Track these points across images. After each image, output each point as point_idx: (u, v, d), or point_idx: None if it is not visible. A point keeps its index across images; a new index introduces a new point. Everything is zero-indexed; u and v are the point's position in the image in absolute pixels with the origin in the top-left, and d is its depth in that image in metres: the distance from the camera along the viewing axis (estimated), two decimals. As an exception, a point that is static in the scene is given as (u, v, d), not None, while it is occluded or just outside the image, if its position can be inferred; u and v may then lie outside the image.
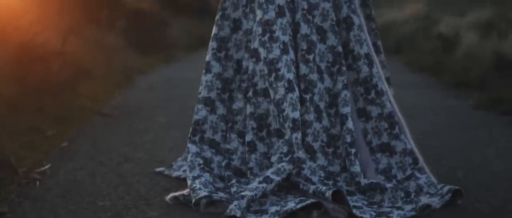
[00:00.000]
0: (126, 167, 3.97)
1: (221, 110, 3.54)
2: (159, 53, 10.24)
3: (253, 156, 3.40)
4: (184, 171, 3.67)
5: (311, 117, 3.38)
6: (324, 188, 3.17)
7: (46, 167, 3.87)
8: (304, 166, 3.32)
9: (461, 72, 7.73)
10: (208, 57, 3.55)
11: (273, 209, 3.09)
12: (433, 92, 7.37)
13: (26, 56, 5.35)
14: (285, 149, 3.33)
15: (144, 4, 13.73)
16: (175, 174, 3.73)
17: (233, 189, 3.27)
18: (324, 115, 3.43)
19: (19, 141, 4.21)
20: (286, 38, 3.38)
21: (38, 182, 3.59)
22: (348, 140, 3.38)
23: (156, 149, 4.42)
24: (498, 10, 11.94)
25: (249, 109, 3.43)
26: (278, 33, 3.38)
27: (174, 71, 9.09)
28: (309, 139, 3.37)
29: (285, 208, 3.07)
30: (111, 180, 3.68)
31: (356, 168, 3.33)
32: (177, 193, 3.30)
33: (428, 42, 10.24)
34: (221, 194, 3.22)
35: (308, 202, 3.08)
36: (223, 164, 3.47)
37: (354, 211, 3.09)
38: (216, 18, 3.58)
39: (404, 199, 3.23)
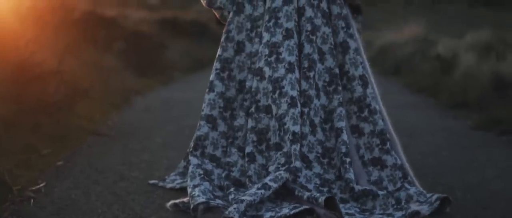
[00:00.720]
0: (121, 185, 3.93)
1: (222, 127, 3.72)
2: (157, 75, 10.23)
3: (252, 165, 3.57)
4: (178, 183, 3.81)
5: (306, 129, 3.58)
6: (317, 194, 3.30)
7: (41, 185, 3.84)
8: (300, 174, 3.49)
9: (460, 93, 7.72)
10: (211, 77, 3.74)
11: (268, 214, 3.21)
12: (431, 113, 7.36)
13: (22, 75, 5.33)
14: (282, 160, 3.51)
15: (142, 26, 13.76)
16: (169, 186, 3.84)
17: (231, 197, 3.40)
18: (319, 129, 3.63)
19: (14, 159, 4.17)
20: (292, 58, 3.62)
21: (32, 200, 3.55)
22: (343, 150, 3.55)
23: (152, 169, 4.38)
24: (496, 32, 11.96)
25: (250, 123, 3.63)
26: (284, 54, 3.61)
27: (171, 92, 9.07)
28: (304, 149, 3.57)
29: (279, 214, 3.18)
30: (106, 198, 3.65)
31: (350, 175, 3.49)
32: (177, 201, 3.44)
33: (427, 63, 10.24)
34: (218, 201, 3.32)
35: (301, 208, 3.18)
36: (223, 175, 3.61)
37: (345, 217, 3.24)
38: (221, 40, 3.76)
39: (395, 206, 3.40)
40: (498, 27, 13.53)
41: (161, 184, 3.89)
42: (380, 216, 3.31)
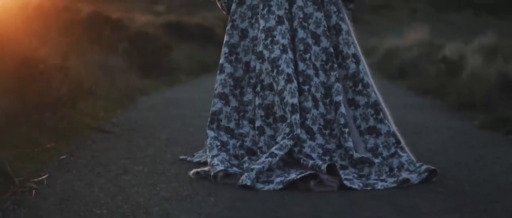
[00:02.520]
0: (125, 178, 3.89)
1: (233, 102, 4.18)
2: (162, 76, 10.19)
3: (262, 138, 4.04)
4: (204, 158, 4.25)
5: (309, 104, 4.03)
6: (320, 162, 3.79)
7: (43, 177, 3.80)
8: (305, 144, 3.96)
9: (466, 94, 7.68)
10: (221, 60, 4.21)
11: (278, 179, 3.73)
12: (438, 113, 7.31)
13: (26, 70, 5.29)
14: (287, 130, 3.95)
15: (148, 29, 13.74)
16: (196, 159, 4.36)
17: (245, 165, 3.90)
18: (320, 103, 4.06)
19: (17, 152, 4.13)
20: (285, 41, 4.06)
21: (34, 191, 3.51)
22: (342, 121, 4.00)
23: (156, 163, 4.34)
24: (501, 37, 11.92)
25: (257, 101, 4.09)
26: (278, 37, 4.07)
27: (176, 93, 9.03)
28: (308, 122, 4.02)
29: (288, 178, 3.70)
30: (109, 190, 3.61)
31: (349, 144, 3.96)
32: (199, 169, 3.94)
33: (432, 66, 10.19)
34: (235, 169, 3.86)
35: (306, 173, 3.69)
36: (238, 144, 4.11)
37: (344, 182, 3.70)
38: (227, 28, 4.24)
39: (388, 173, 3.88)
40: (503, 35, 13.48)
41: (189, 159, 4.39)
42: (375, 181, 3.79)
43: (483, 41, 11.49)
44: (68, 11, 10.84)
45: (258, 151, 4.03)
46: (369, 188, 3.71)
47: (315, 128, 4.02)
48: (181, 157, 4.48)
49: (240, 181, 3.68)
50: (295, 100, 3.96)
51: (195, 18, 26.06)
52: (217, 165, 3.85)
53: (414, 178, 3.81)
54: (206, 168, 3.92)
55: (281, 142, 3.90)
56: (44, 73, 5.41)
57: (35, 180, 3.72)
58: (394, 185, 3.75)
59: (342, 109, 4.01)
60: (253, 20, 4.21)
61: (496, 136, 5.74)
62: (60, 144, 4.72)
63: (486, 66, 8.33)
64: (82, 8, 13.03)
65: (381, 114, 4.09)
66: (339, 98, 4.03)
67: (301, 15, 4.13)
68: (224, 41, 4.23)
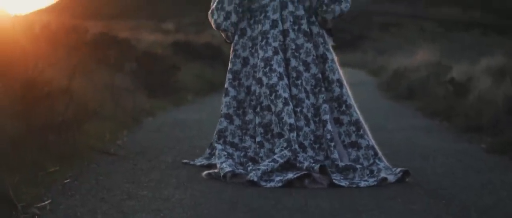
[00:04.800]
0: (129, 203, 3.87)
1: (237, 121, 4.90)
2: (169, 96, 10.17)
3: (262, 150, 4.76)
4: (204, 163, 4.97)
5: (302, 123, 4.76)
6: (313, 164, 4.52)
7: (47, 202, 3.77)
8: (299, 155, 4.64)
9: (474, 116, 7.62)
10: (226, 84, 4.93)
11: (277, 178, 4.44)
12: (445, 136, 7.26)
13: (31, 93, 5.28)
14: (285, 144, 4.67)
15: (156, 48, 13.75)
16: (198, 163, 5.03)
17: (250, 168, 4.61)
18: (311, 121, 4.78)
19: (20, 176, 4.10)
20: (281, 69, 4.78)
21: (36, 217, 3.48)
22: (328, 137, 4.73)
23: (161, 188, 4.32)
24: (509, 58, 11.88)
25: (257, 120, 4.80)
26: (275, 66, 4.78)
27: (183, 113, 9.00)
28: (301, 138, 4.73)
29: (286, 178, 4.41)
30: (113, 216, 3.58)
31: (335, 156, 4.70)
32: (210, 171, 4.65)
33: (440, 87, 10.15)
34: (241, 170, 4.55)
35: (301, 173, 4.42)
36: (241, 155, 4.80)
37: (334, 180, 4.42)
38: (230, 57, 4.95)
39: (369, 175, 4.59)
40: (511, 55, 13.43)
41: (191, 163, 5.07)
42: (358, 181, 4.50)
43: (491, 63, 11.46)
44: (76, 31, 10.85)
45: (259, 159, 4.74)
46: (354, 186, 4.43)
47: (306, 142, 4.74)
48: (184, 161, 5.16)
49: (249, 176, 4.41)
50: (292, 120, 4.67)
51: (203, 37, 26.10)
52: (226, 167, 4.53)
53: (391, 177, 4.53)
54: (216, 170, 4.63)
55: (282, 152, 4.62)
56: (49, 95, 5.39)
57: (38, 205, 3.69)
58: (375, 183, 4.46)
59: (329, 126, 4.74)
60: (253, 49, 4.90)
61: (504, 160, 5.69)
62: (64, 168, 4.69)
63: (494, 89, 8.28)
64: (89, 28, 13.06)
65: (362, 130, 4.81)
66: (326, 117, 4.76)
67: (294, 46, 4.84)
68: (228, 68, 4.92)
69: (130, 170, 4.90)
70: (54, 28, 11.59)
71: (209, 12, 5.00)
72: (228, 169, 4.51)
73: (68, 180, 4.41)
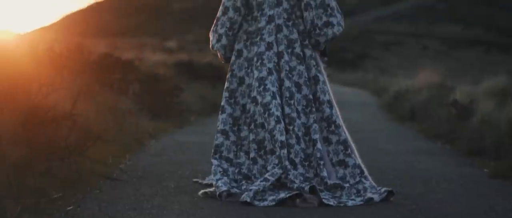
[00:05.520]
0: (131, 232, 3.87)
1: (232, 137, 5.11)
2: (172, 118, 10.19)
3: (255, 166, 5.02)
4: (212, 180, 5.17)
5: (293, 141, 4.98)
6: (303, 184, 4.80)
7: (49, 231, 3.78)
8: (290, 173, 4.89)
9: (476, 140, 7.63)
10: (222, 102, 5.18)
11: (270, 198, 4.72)
12: (447, 159, 7.27)
13: (34, 118, 5.29)
14: (276, 161, 4.93)
15: (159, 69, 13.79)
16: (205, 182, 5.38)
17: (243, 187, 4.89)
18: (301, 140, 5.01)
19: (23, 204, 4.11)
20: (274, 89, 5.03)
21: (39, 246, 3.49)
22: (318, 155, 4.98)
23: (163, 215, 4.33)
24: (513, 79, 11.88)
25: (251, 136, 5.04)
26: (269, 85, 5.01)
27: (185, 136, 9.01)
28: (292, 155, 4.97)
29: (278, 197, 4.72)
30: (115, 245, 3.58)
31: (324, 173, 4.96)
32: (206, 190, 4.97)
33: (443, 109, 10.15)
34: (235, 189, 4.85)
35: (293, 193, 4.73)
36: (236, 171, 5.07)
37: (323, 200, 4.70)
38: (227, 76, 5.21)
39: (356, 194, 4.87)
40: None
41: (200, 181, 5.45)
42: (346, 200, 4.79)
43: (494, 84, 11.46)
44: (79, 52, 10.89)
45: (253, 176, 5.00)
46: (342, 205, 4.72)
47: (297, 160, 4.97)
48: (194, 179, 5.53)
49: (242, 198, 4.69)
50: (283, 138, 4.91)
51: (206, 56, 26.12)
52: (221, 186, 4.83)
53: (376, 197, 4.81)
54: (211, 189, 4.93)
55: (272, 171, 4.89)
56: (53, 120, 5.41)
57: (41, 234, 3.70)
58: (361, 203, 4.76)
59: (319, 145, 4.99)
60: (249, 70, 5.12)
61: (506, 185, 5.70)
62: (67, 194, 4.70)
63: (496, 112, 8.29)
64: (93, 47, 13.11)
65: (349, 149, 5.06)
66: (316, 136, 5.00)
67: (287, 68, 5.07)
68: (225, 87, 5.18)
69: (132, 195, 4.91)
70: (58, 49, 11.63)
71: (210, 33, 5.34)
72: (224, 188, 4.81)
73: (71, 207, 4.42)
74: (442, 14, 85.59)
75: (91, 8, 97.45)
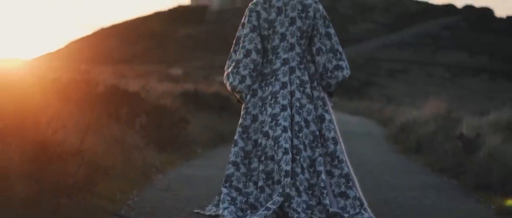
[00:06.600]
0: None
1: (243, 169, 5.49)
2: (179, 150, 10.20)
3: (262, 195, 5.37)
4: (214, 211, 5.58)
5: (299, 170, 5.35)
6: (303, 215, 5.21)
7: None
8: (293, 201, 5.27)
9: (483, 175, 7.63)
10: (236, 136, 5.55)
11: None
12: (454, 194, 7.26)
13: (43, 154, 5.32)
14: (280, 190, 5.27)
15: (165, 99, 13.83)
16: (208, 213, 5.62)
17: (248, 217, 5.22)
18: (306, 171, 5.38)
19: (33, 244, 4.13)
20: (286, 124, 5.44)
21: None
22: (322, 185, 5.34)
23: (172, 254, 4.33)
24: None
25: (261, 167, 5.41)
26: (280, 121, 5.44)
27: (192, 169, 9.02)
28: (297, 183, 5.31)
29: None
30: None
31: (326, 202, 5.31)
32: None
33: (449, 142, 10.15)
34: None
35: None
36: (243, 200, 5.41)
37: None
38: (241, 113, 5.59)
39: None
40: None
41: (202, 211, 5.68)
42: None
43: (500, 116, 11.48)
44: (86, 83, 10.95)
45: (259, 205, 5.35)
46: None
47: (301, 188, 5.31)
48: (195, 210, 5.74)
49: None
50: (288, 167, 5.28)
51: (212, 85, 26.17)
52: (227, 215, 5.21)
53: None
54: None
55: (274, 199, 5.25)
56: (61, 157, 5.44)
57: None
58: None
59: (323, 176, 5.36)
60: (263, 108, 5.55)
61: (513, 223, 5.70)
62: (76, 232, 4.71)
63: (503, 146, 8.30)
64: (100, 78, 13.14)
65: (351, 182, 5.43)
66: (321, 168, 5.37)
67: (298, 105, 5.51)
68: (239, 123, 5.56)
69: (140, 233, 4.92)
70: (65, 79, 11.68)
71: (225, 76, 5.66)
72: (229, 216, 5.19)
73: (79, 246, 4.43)
74: (447, 42, 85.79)
75: (96, 34, 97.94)
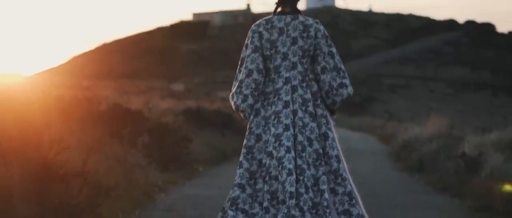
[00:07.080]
0: None
1: (249, 190, 5.49)
2: (181, 169, 10.19)
3: (267, 215, 5.38)
4: None
5: (303, 190, 5.39)
6: None
7: None
8: None
9: (485, 194, 7.62)
10: (241, 158, 5.54)
11: None
12: (456, 215, 7.26)
13: (46, 176, 5.32)
14: (285, 210, 5.34)
15: (167, 117, 13.83)
16: None
17: None
18: (310, 190, 5.41)
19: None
20: (289, 144, 5.48)
21: None
22: (325, 204, 5.37)
23: None
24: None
25: (266, 188, 5.44)
26: (284, 141, 5.46)
27: (195, 188, 9.01)
28: (301, 203, 5.37)
29: None
30: None
31: None
32: None
33: (451, 161, 10.14)
34: None
35: None
36: None
37: None
38: (246, 134, 5.60)
39: None
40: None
41: None
42: None
43: (502, 135, 11.48)
44: (88, 101, 10.95)
45: None
46: None
47: (305, 207, 5.36)
48: None
49: None
50: (292, 189, 5.34)
51: (214, 102, 26.19)
52: None
53: None
54: None
55: None
56: (64, 178, 5.44)
57: None
58: None
59: (326, 195, 5.39)
60: (266, 127, 5.60)
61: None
62: (78, 255, 4.70)
63: (505, 165, 8.29)
64: (102, 95, 13.18)
65: (354, 200, 5.46)
66: (324, 187, 5.41)
67: (301, 124, 5.54)
68: (243, 144, 5.58)
69: (143, 256, 4.91)
70: (67, 97, 11.70)
71: (230, 95, 5.75)
72: None
73: None
74: (448, 58, 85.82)
75: (98, 50, 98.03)
